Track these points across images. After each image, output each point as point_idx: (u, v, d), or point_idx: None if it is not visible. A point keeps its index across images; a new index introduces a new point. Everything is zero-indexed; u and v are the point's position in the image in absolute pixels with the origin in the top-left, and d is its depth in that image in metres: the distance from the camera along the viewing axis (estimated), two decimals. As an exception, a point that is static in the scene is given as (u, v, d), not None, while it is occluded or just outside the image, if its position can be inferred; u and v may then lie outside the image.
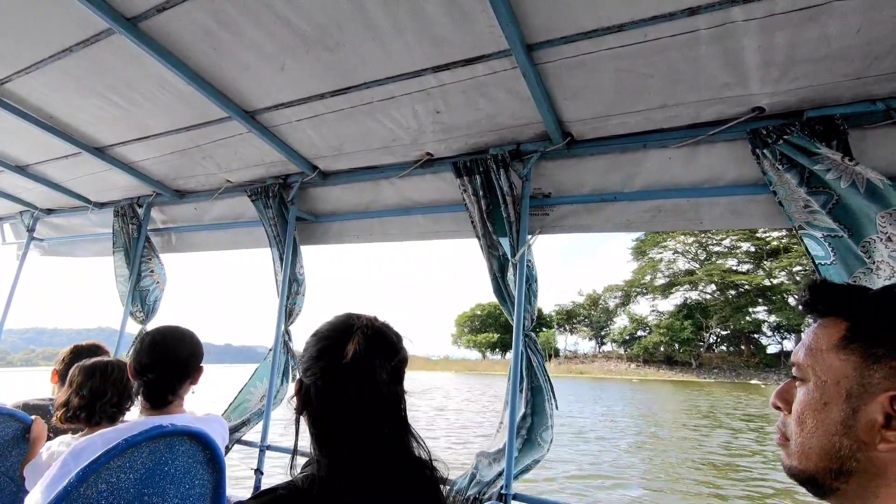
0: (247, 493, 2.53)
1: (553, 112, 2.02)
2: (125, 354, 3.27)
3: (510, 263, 2.27)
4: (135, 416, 2.01)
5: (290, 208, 2.89)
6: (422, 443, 1.01)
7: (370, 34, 1.77)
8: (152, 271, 3.48)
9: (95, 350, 2.32)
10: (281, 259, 2.89)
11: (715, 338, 63.59)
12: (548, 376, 2.21)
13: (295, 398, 1.03)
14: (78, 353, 2.27)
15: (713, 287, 63.19)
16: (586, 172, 2.27)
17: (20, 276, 4.05)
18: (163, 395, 1.67)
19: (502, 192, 2.24)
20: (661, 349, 63.16)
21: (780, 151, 1.72)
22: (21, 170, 3.32)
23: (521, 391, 2.16)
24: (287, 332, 2.88)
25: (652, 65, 1.71)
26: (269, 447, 2.62)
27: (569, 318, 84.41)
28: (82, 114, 2.59)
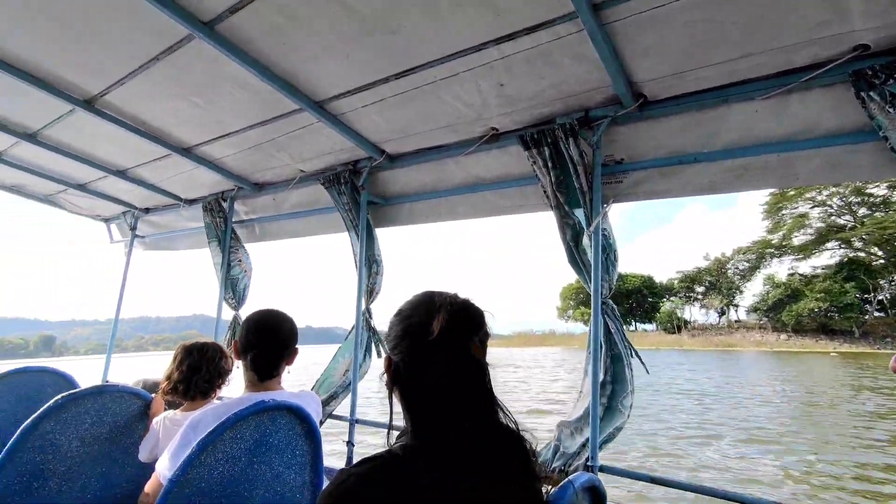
0: (340, 464, 2.72)
1: (623, 73, 1.93)
2: (224, 338, 3.58)
3: (585, 233, 2.22)
4: (230, 394, 2.20)
5: (361, 193, 2.98)
6: (509, 414, 1.03)
7: (430, 13, 1.77)
8: (240, 261, 3.75)
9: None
10: (358, 242, 3.00)
11: (885, 301, 54.42)
12: (627, 342, 2.16)
13: (385, 375, 1.09)
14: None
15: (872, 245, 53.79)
16: (661, 134, 2.16)
17: (128, 271, 4.52)
18: (267, 370, 1.82)
19: (572, 161, 2.18)
20: (814, 317, 55.02)
21: (891, 92, 1.54)
22: (121, 174, 3.66)
23: (600, 359, 2.14)
24: (368, 310, 3.01)
25: (731, 11, 1.58)
26: (357, 420, 2.79)
27: (691, 285, 78.05)
28: (169, 117, 2.81)
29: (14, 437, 1.89)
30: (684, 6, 1.58)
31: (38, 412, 1.94)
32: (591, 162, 2.21)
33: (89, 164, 3.53)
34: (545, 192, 2.34)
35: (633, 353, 2.16)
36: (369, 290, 3.06)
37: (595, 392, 2.09)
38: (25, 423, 1.91)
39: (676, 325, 74.10)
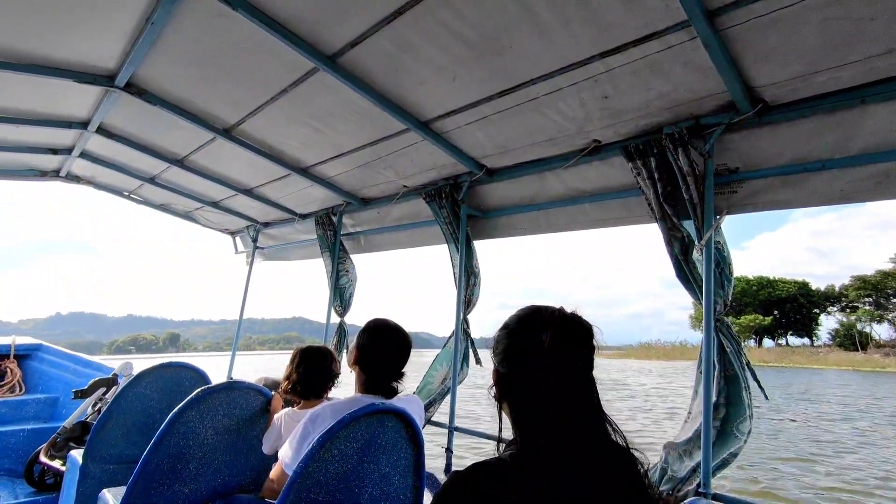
0: (438, 470, 2.80)
1: (740, 79, 1.84)
2: (331, 343, 3.85)
3: (695, 246, 2.13)
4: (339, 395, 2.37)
5: (461, 206, 3.09)
6: (618, 429, 1.02)
7: (536, 32, 1.82)
8: (347, 271, 4.03)
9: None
10: (458, 254, 3.11)
11: None
12: (745, 363, 2.03)
13: (494, 388, 1.12)
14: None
15: None
16: (783, 140, 2.01)
17: (251, 278, 5.05)
18: (386, 379, 1.94)
19: (681, 171, 2.11)
20: None
21: None
22: (248, 192, 4.12)
23: (713, 379, 2.02)
24: (465, 320, 3.10)
25: (872, 5, 1.45)
26: (456, 428, 2.87)
27: (873, 293, 65.78)
28: (291, 141, 3.12)
29: (165, 422, 2.17)
30: (816, 4, 1.48)
31: (184, 402, 2.22)
32: (703, 171, 2.12)
33: (223, 185, 4.01)
34: (649, 203, 2.27)
35: (752, 374, 2.02)
36: (467, 300, 3.15)
37: (707, 414, 1.98)
38: (173, 412, 2.19)
39: (860, 342, 63.60)
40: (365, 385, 1.96)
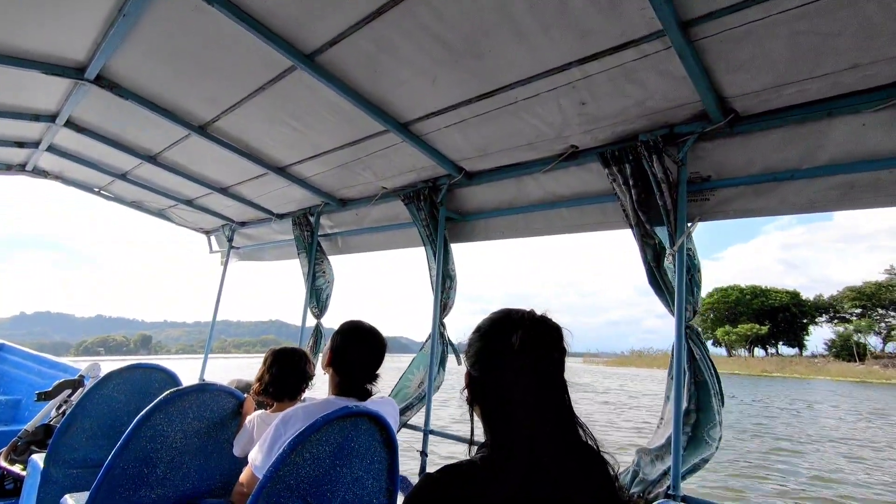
0: (413, 473, 2.78)
1: (712, 89, 1.88)
2: (307, 345, 3.80)
3: (667, 253, 2.16)
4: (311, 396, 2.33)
5: (439, 209, 3.09)
6: (588, 432, 1.03)
7: (515, 37, 1.83)
8: (324, 272, 3.99)
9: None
10: (434, 257, 3.10)
11: None
12: (714, 370, 2.06)
13: (466, 391, 1.12)
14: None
15: None
16: (754, 150, 2.06)
17: (225, 279, 4.95)
18: (360, 381, 1.92)
19: (656, 178, 2.14)
20: None
21: None
22: (224, 191, 4.04)
23: (683, 386, 2.05)
24: (442, 323, 3.09)
25: (839, 21, 1.50)
26: (431, 431, 2.85)
27: (870, 304, 65.14)
28: (269, 140, 3.07)
29: (131, 425, 2.11)
30: (787, 18, 1.53)
31: (151, 405, 2.16)
32: (676, 179, 2.15)
33: (198, 182, 3.92)
34: (624, 209, 2.30)
35: (718, 382, 2.06)
36: (443, 303, 3.14)
37: (677, 420, 2.01)
38: (140, 414, 2.13)
39: (858, 353, 63.80)
40: (339, 387, 1.93)
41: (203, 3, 1.88)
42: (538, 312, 1.07)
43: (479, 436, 1.06)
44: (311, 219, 4.03)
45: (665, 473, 2.01)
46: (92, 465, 2.74)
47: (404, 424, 3.04)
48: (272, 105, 2.64)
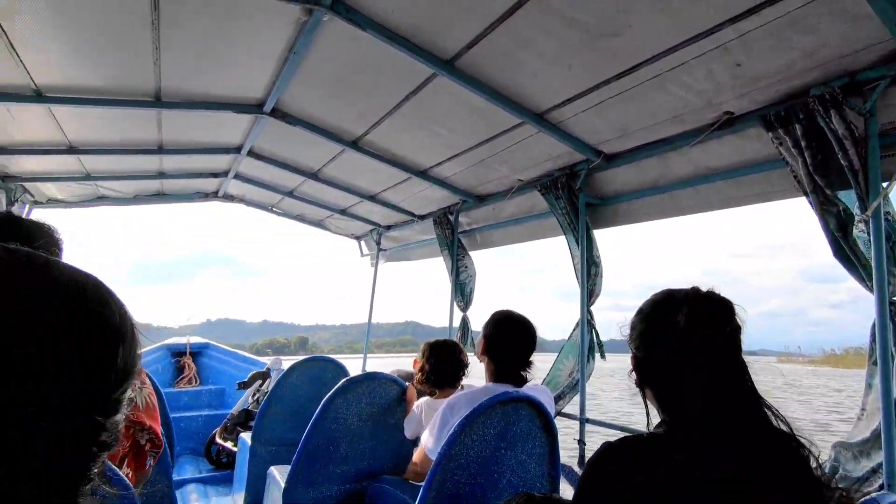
0: (572, 461, 2.79)
1: (908, 22, 1.60)
2: (456, 336, 4.03)
3: (856, 220, 1.89)
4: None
5: (578, 196, 3.05)
6: (781, 416, 0.96)
7: (657, 6, 1.76)
8: (466, 267, 4.18)
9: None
10: (577, 244, 3.08)
11: None
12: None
13: (634, 374, 1.12)
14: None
15: None
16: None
17: (377, 281, 5.44)
18: (515, 367, 2.01)
19: (836, 136, 1.88)
20: None
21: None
22: (372, 198, 4.45)
23: (892, 371, 1.78)
24: (589, 311, 3.05)
25: None
26: (588, 420, 2.84)
27: None
28: (411, 146, 3.32)
29: (318, 409, 2.44)
30: None
31: (332, 391, 2.47)
32: (864, 133, 1.87)
33: (350, 192, 4.38)
34: (796, 175, 2.06)
35: None
36: (590, 291, 3.09)
37: (888, 409, 1.74)
38: (324, 399, 2.45)
39: None
40: (495, 374, 2.03)
41: (357, 30, 2.11)
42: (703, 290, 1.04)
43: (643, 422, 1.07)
44: (451, 217, 4.24)
45: (875, 471, 1.77)
46: (286, 443, 3.22)
47: (558, 413, 3.06)
48: (414, 113, 2.85)
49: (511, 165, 3.28)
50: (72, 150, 3.28)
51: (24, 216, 1.54)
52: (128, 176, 4.08)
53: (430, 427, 2.07)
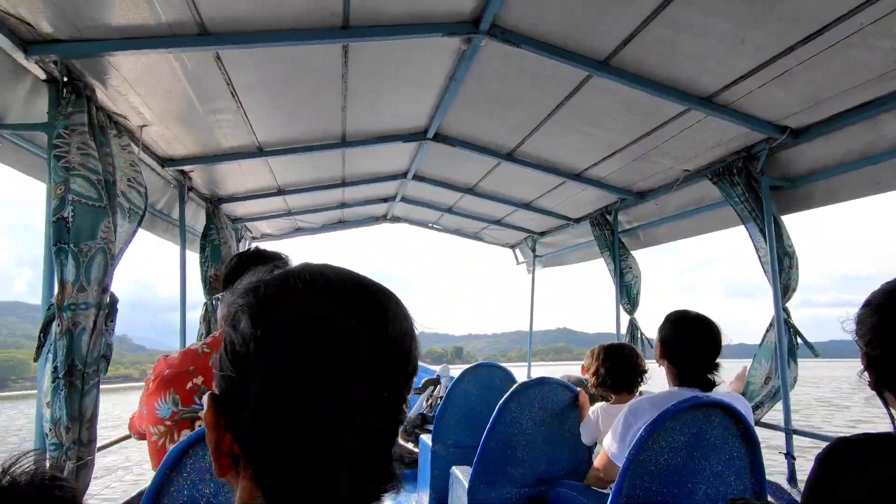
0: (779, 478, 2.49)
1: None
2: (625, 340, 3.89)
3: None
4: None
5: (760, 180, 2.76)
6: None
7: (851, -45, 1.56)
8: (630, 267, 4.03)
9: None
10: (762, 234, 2.78)
11: None
12: None
13: (868, 374, 1.00)
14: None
15: None
16: None
17: (535, 288, 5.52)
18: (700, 371, 1.90)
19: None
20: None
21: None
22: (527, 206, 4.55)
23: None
24: (785, 309, 2.72)
25: None
26: (795, 431, 2.52)
27: None
28: (565, 150, 3.35)
29: (494, 413, 2.53)
30: None
31: (507, 395, 2.56)
32: None
33: (504, 203, 4.54)
34: None
35: None
36: (784, 286, 2.76)
37: None
38: (499, 403, 2.54)
39: None
40: (678, 378, 1.93)
41: (512, 48, 2.24)
42: None
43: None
44: (609, 217, 4.13)
45: None
46: (463, 445, 3.40)
47: (756, 423, 2.76)
48: (568, 118, 2.88)
49: (675, 156, 3.10)
50: (280, 191, 3.99)
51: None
52: (317, 209, 4.80)
53: (611, 432, 2.04)
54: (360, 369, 0.47)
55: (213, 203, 3.75)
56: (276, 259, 1.55)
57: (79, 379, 1.37)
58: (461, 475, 2.80)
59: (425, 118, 3.16)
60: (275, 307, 0.49)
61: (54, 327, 1.35)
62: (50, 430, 1.33)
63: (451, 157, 3.69)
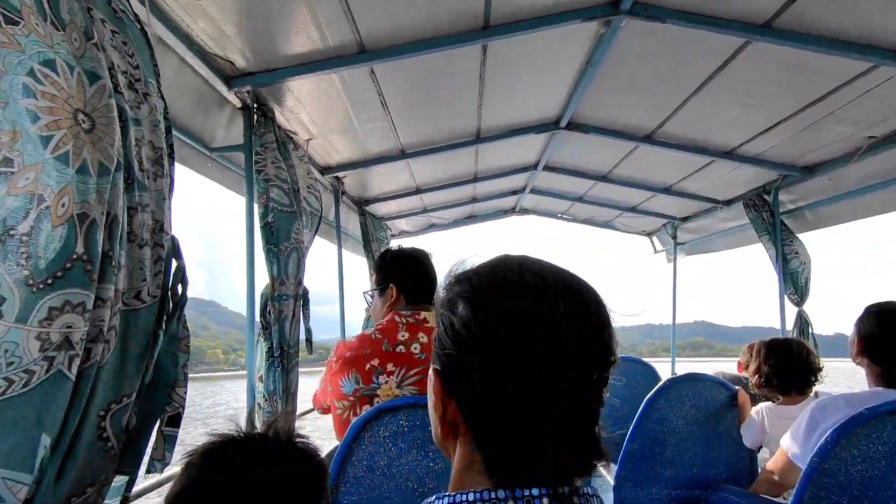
0: None
1: None
2: (792, 334, 3.49)
3: None
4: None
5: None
6: None
7: None
8: (797, 253, 3.58)
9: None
10: None
11: None
12: None
13: None
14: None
15: None
16: None
17: (677, 277, 5.14)
18: None
19: None
20: None
21: None
22: (667, 190, 4.26)
23: None
24: None
25: None
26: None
27: None
28: (714, 127, 3.08)
29: (640, 408, 2.42)
30: None
31: (655, 390, 2.43)
32: None
33: (641, 188, 4.31)
34: None
35: None
36: None
37: None
38: (646, 399, 2.41)
39: None
40: (881, 378, 1.69)
41: (656, 24, 2.12)
42: None
43: None
44: (767, 197, 3.71)
45: None
46: (605, 441, 3.31)
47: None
48: (718, 91, 2.64)
49: (856, 122, 2.68)
50: (417, 191, 4.24)
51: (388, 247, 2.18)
52: (450, 205, 5.00)
53: (792, 430, 1.85)
54: (566, 355, 0.54)
55: (361, 204, 4.12)
56: (423, 258, 1.71)
57: (286, 358, 1.67)
58: (604, 471, 2.74)
59: (558, 107, 3.13)
60: (487, 296, 0.57)
61: (269, 315, 1.67)
62: (265, 399, 1.64)
63: (583, 144, 3.60)
